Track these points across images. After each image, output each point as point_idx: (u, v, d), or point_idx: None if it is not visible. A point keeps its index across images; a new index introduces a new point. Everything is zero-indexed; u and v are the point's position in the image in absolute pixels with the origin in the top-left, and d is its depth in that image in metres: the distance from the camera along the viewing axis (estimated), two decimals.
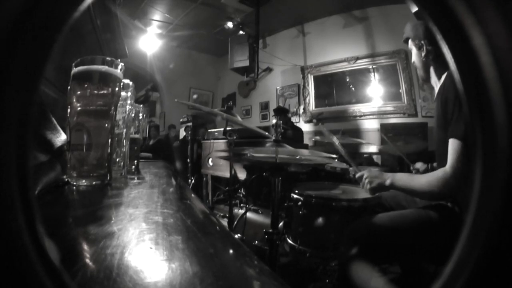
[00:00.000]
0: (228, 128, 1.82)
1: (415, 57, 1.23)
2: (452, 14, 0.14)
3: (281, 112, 3.69)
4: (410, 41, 1.23)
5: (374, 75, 4.50)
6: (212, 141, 2.91)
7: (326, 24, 4.96)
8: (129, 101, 0.72)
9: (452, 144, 0.98)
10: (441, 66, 1.16)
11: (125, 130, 0.70)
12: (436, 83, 1.19)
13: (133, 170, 0.81)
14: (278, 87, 5.67)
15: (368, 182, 1.19)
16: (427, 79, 1.23)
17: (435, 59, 1.16)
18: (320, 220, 1.28)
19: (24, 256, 0.13)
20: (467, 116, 0.15)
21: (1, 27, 0.12)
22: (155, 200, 0.46)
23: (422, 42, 1.16)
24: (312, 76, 5.16)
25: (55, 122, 0.55)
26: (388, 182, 1.13)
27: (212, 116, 2.44)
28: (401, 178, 1.12)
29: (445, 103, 1.03)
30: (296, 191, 1.39)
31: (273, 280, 0.24)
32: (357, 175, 1.25)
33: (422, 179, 1.06)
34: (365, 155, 3.87)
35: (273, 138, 1.32)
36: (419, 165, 1.40)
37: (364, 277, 0.97)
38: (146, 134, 4.43)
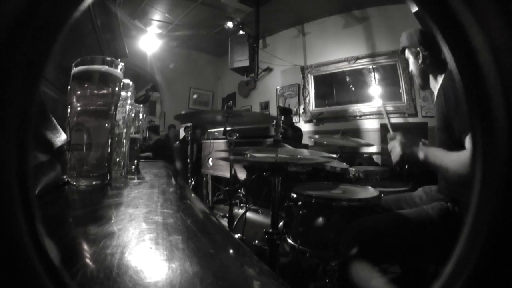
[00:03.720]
0: (228, 128, 1.82)
1: (412, 65, 1.25)
2: (452, 14, 0.14)
3: (285, 113, 3.69)
4: (406, 51, 1.26)
5: (374, 75, 4.50)
6: (212, 141, 2.91)
7: (326, 24, 4.96)
8: (129, 101, 0.72)
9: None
10: (438, 68, 1.18)
11: (125, 130, 0.70)
12: (435, 86, 1.20)
13: (133, 170, 0.81)
14: (278, 87, 5.67)
15: (401, 144, 1.09)
16: (425, 85, 1.25)
17: (431, 64, 1.18)
18: (320, 220, 1.28)
19: (24, 256, 0.13)
20: (467, 115, 0.15)
21: (1, 27, 0.12)
22: (155, 200, 0.46)
23: (418, 49, 1.18)
24: (312, 76, 5.16)
25: (55, 122, 0.55)
26: (421, 154, 1.05)
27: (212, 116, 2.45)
28: (434, 153, 1.05)
29: (449, 101, 1.03)
30: (296, 191, 1.39)
31: (273, 280, 0.24)
32: (390, 135, 1.16)
33: (454, 157, 0.99)
34: (365, 155, 3.87)
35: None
36: None
37: (364, 277, 0.97)
38: (146, 134, 4.43)
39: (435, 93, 1.21)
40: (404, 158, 1.10)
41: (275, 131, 1.31)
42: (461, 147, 0.98)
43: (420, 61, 1.19)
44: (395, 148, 1.11)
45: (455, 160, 0.97)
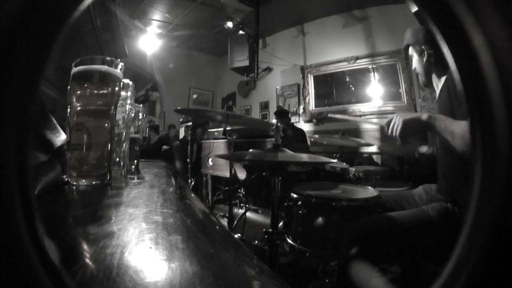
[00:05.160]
0: (228, 128, 1.82)
1: (416, 63, 1.24)
2: (452, 14, 0.14)
3: (282, 114, 3.69)
4: (410, 48, 1.25)
5: (374, 75, 4.50)
6: (212, 141, 2.91)
7: (326, 24, 4.96)
8: (129, 101, 0.72)
9: None
10: (442, 67, 1.17)
11: (125, 130, 0.70)
12: (438, 85, 1.21)
13: (133, 170, 0.81)
14: (278, 87, 5.67)
15: (400, 118, 1.01)
16: (428, 83, 1.25)
17: (436, 62, 1.18)
18: (320, 220, 1.28)
19: (24, 256, 0.13)
20: (467, 116, 0.15)
21: (1, 27, 0.12)
22: (155, 200, 0.46)
23: (423, 47, 1.18)
24: (312, 76, 5.15)
25: (55, 122, 0.55)
26: (425, 116, 0.98)
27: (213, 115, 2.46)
28: (441, 117, 0.97)
29: (454, 93, 1.02)
30: (296, 191, 1.39)
31: (273, 280, 0.24)
32: (386, 121, 1.07)
33: (462, 124, 0.90)
34: (365, 155, 3.87)
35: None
36: (425, 148, 1.34)
37: (364, 277, 0.97)
38: (146, 134, 4.44)
39: (437, 91, 1.21)
40: (407, 127, 0.99)
41: (274, 136, 1.30)
42: None
43: (424, 59, 1.19)
44: (396, 121, 1.02)
45: (463, 126, 0.89)
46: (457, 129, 0.91)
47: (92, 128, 0.52)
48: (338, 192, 1.43)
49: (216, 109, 6.16)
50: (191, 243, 0.27)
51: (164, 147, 4.37)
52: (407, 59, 4.30)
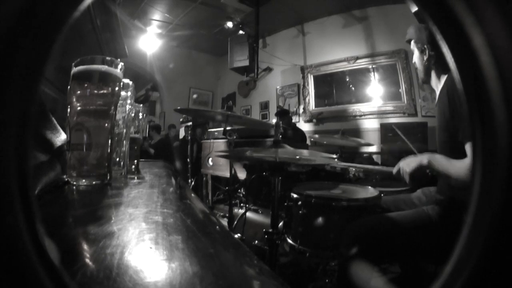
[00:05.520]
0: (228, 128, 1.82)
1: (416, 58, 1.25)
2: (452, 14, 0.14)
3: (283, 114, 3.70)
4: (412, 42, 1.25)
5: (374, 75, 4.50)
6: (212, 141, 2.91)
7: (326, 24, 4.96)
8: (129, 101, 0.72)
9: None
10: (442, 68, 1.17)
11: (125, 130, 0.70)
12: (437, 86, 1.20)
13: (133, 170, 0.81)
14: (278, 87, 5.67)
15: (405, 170, 1.13)
16: (427, 80, 1.25)
17: (436, 64, 1.18)
18: (320, 219, 1.28)
19: (24, 256, 0.13)
20: (467, 116, 0.15)
21: (1, 27, 0.12)
22: (155, 200, 0.45)
23: (425, 46, 1.18)
24: (312, 76, 5.16)
25: (55, 122, 0.55)
26: (425, 161, 1.08)
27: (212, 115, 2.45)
28: (439, 160, 1.08)
29: (453, 102, 1.04)
30: (296, 191, 1.39)
31: (273, 279, 0.24)
32: (395, 170, 1.20)
33: (460, 165, 1.01)
34: (365, 155, 3.87)
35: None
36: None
37: (364, 277, 0.98)
38: (146, 134, 4.43)
39: (437, 91, 1.21)
40: (413, 175, 1.12)
41: (274, 132, 1.31)
42: (462, 147, 0.98)
43: (425, 58, 1.19)
44: (402, 172, 1.15)
45: (458, 168, 1.00)
46: (452, 171, 1.02)
47: (92, 128, 0.52)
48: (338, 192, 1.43)
49: (216, 109, 6.16)
50: (191, 243, 0.27)
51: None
52: (407, 59, 4.31)
